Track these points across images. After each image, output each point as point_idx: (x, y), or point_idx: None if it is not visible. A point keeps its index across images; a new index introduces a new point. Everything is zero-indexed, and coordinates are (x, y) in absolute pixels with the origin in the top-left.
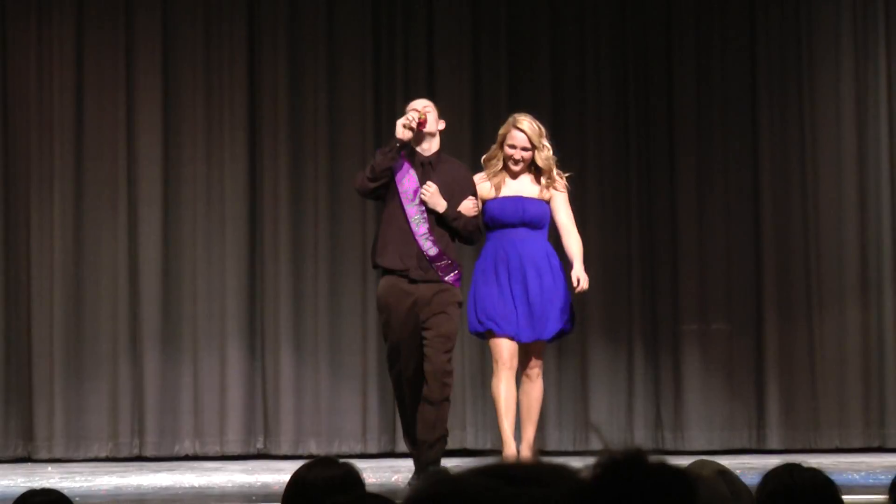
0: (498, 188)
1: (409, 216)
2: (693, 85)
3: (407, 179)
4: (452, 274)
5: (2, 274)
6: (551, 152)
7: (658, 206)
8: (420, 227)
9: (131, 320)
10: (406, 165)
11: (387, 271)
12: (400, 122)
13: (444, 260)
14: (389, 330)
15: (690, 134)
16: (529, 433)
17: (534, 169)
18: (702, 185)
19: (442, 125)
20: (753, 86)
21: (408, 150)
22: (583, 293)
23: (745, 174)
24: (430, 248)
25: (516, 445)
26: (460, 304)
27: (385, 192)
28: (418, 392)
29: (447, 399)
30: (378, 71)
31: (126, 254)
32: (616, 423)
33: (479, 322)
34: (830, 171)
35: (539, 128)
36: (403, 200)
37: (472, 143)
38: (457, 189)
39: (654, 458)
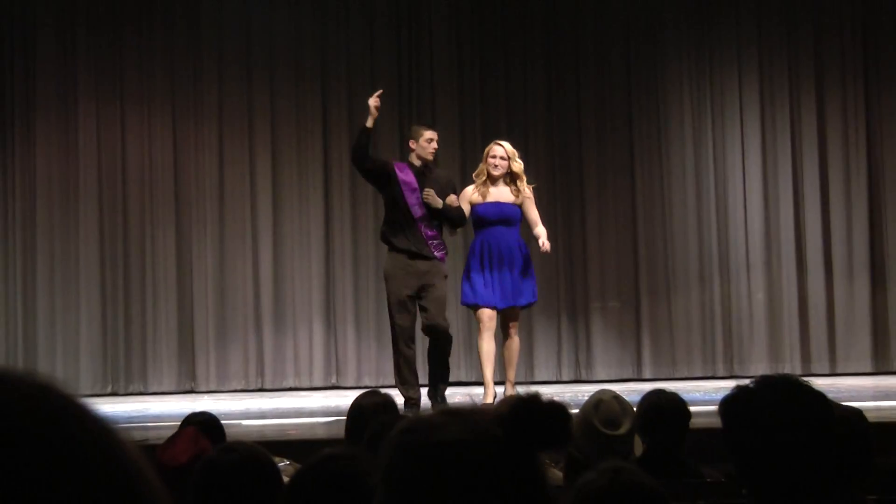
0: (484, 196)
1: (409, 204)
2: (594, 133)
3: (406, 175)
4: (442, 252)
5: (176, 279)
6: (522, 167)
7: (574, 225)
8: (417, 212)
9: (255, 306)
10: (406, 168)
11: (393, 249)
12: (372, 104)
13: (437, 240)
14: (392, 294)
15: (593, 176)
16: (511, 374)
17: (509, 180)
18: (602, 210)
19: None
20: (630, 139)
21: (410, 166)
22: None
23: (627, 203)
24: (427, 230)
25: (501, 383)
26: (446, 277)
27: (385, 182)
28: (412, 342)
29: (449, 345)
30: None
31: (251, 267)
32: (552, 364)
33: (471, 296)
34: (682, 197)
35: (514, 150)
36: (404, 190)
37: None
38: (448, 189)
39: (545, 399)
